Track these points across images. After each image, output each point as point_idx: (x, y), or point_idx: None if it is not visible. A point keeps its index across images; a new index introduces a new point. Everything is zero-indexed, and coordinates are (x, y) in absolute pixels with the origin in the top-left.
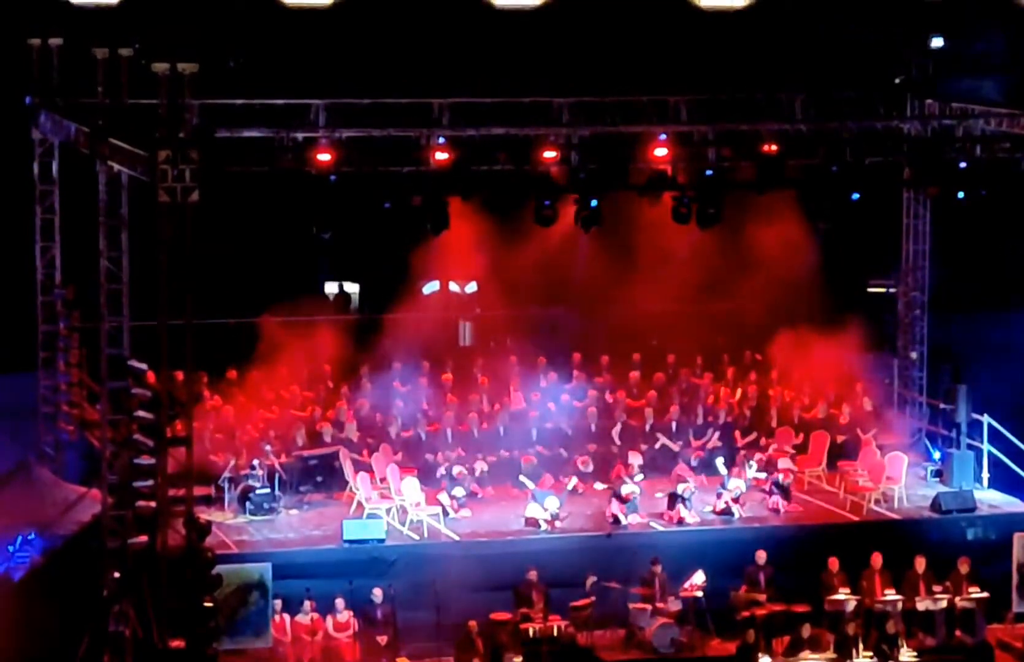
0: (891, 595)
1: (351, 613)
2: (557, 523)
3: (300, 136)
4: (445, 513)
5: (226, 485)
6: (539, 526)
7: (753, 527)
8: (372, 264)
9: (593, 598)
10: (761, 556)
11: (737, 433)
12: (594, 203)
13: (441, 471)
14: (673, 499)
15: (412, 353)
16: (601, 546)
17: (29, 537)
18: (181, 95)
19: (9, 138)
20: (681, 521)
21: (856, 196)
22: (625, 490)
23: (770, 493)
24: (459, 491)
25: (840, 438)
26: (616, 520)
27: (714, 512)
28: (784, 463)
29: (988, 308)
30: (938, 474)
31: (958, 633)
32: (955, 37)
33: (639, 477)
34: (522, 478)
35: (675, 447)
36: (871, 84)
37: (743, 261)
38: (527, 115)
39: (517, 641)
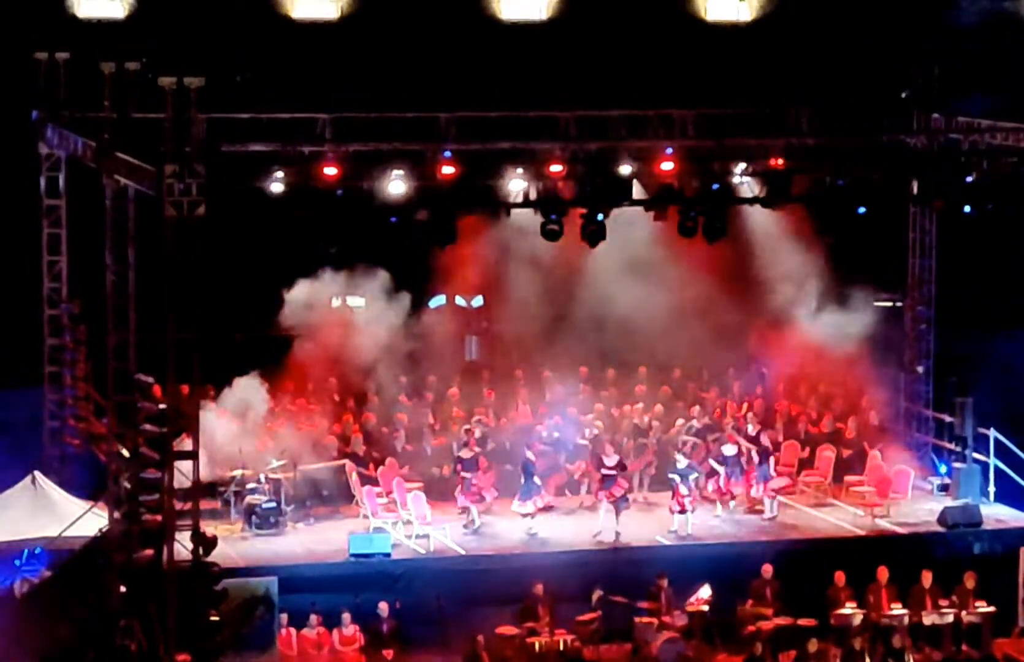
0: (897, 609)
1: (357, 627)
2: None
3: (306, 150)
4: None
5: (232, 499)
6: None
7: (759, 541)
8: (378, 278)
9: (599, 612)
10: (767, 570)
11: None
12: (600, 217)
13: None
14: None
15: (418, 367)
16: (607, 560)
17: (35, 551)
18: (187, 109)
19: (16, 152)
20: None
21: (862, 210)
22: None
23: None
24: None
25: (846, 452)
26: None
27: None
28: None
29: (994, 322)
30: (944, 488)
31: (965, 647)
32: (961, 51)
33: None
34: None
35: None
36: (877, 99)
37: (749, 274)
38: (534, 129)
39: (523, 655)
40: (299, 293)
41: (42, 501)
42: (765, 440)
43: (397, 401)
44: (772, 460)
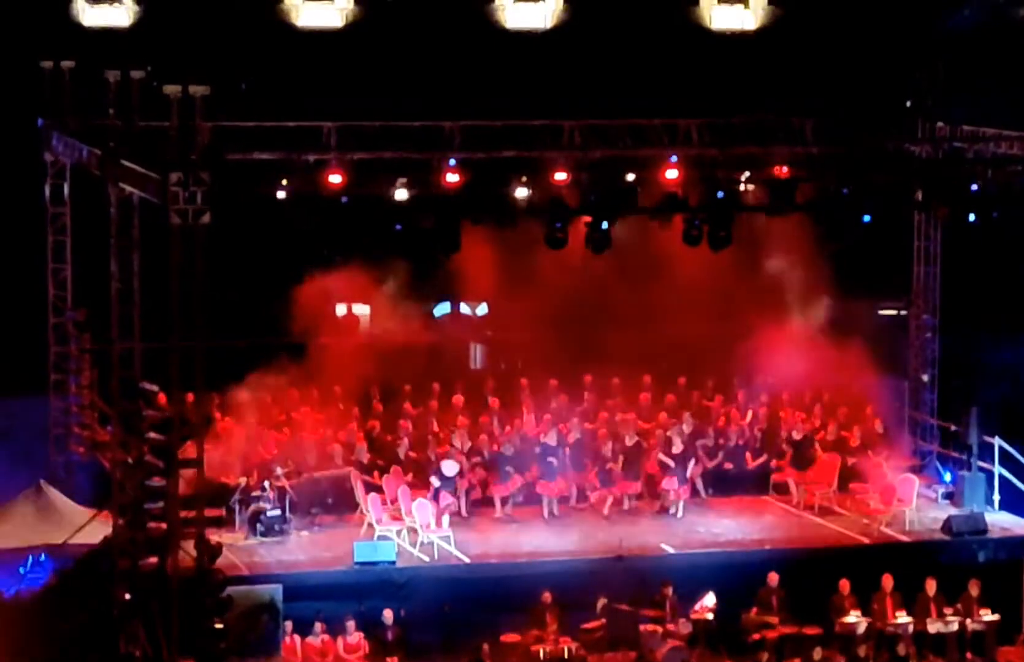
0: (902, 617)
1: (362, 635)
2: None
3: (311, 158)
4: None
5: (237, 507)
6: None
7: (764, 549)
8: (382, 286)
9: (604, 620)
10: (773, 578)
11: (748, 455)
12: (605, 225)
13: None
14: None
15: (423, 375)
16: (612, 568)
17: (40, 558)
18: (192, 117)
19: (21, 160)
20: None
21: (867, 218)
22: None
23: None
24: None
25: (851, 460)
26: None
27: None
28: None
29: (999, 330)
30: (949, 496)
31: (969, 655)
32: (965, 58)
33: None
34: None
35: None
36: (882, 107)
37: (754, 283)
38: (538, 137)
39: None
40: (303, 301)
41: (47, 509)
42: (678, 444)
43: (401, 409)
44: (692, 463)
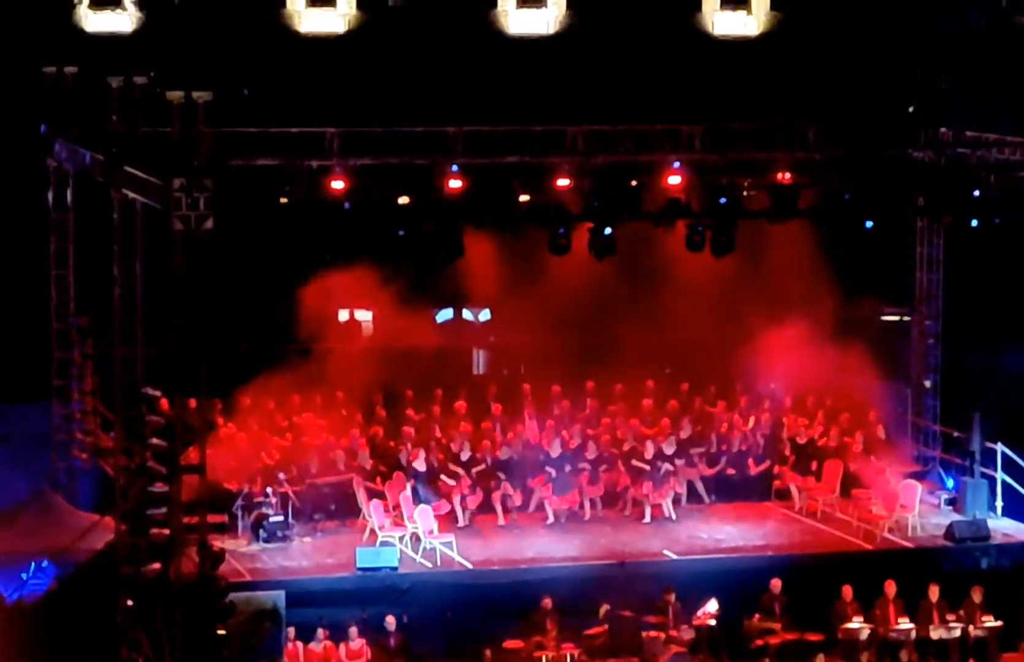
0: (905, 624)
1: (364, 641)
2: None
3: (314, 164)
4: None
5: (239, 513)
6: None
7: (767, 555)
8: (385, 292)
9: (606, 627)
10: (776, 584)
11: (751, 461)
12: (608, 231)
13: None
14: None
15: (425, 381)
16: (614, 574)
17: (43, 564)
18: (195, 123)
19: (24, 166)
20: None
21: (870, 224)
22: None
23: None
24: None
25: (853, 466)
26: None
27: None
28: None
29: (1002, 336)
30: (952, 502)
31: None
32: (966, 64)
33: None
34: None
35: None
36: (884, 112)
37: (757, 289)
38: (541, 143)
39: None
40: (306, 307)
41: (49, 515)
42: (650, 449)
43: (404, 415)
44: (664, 468)
